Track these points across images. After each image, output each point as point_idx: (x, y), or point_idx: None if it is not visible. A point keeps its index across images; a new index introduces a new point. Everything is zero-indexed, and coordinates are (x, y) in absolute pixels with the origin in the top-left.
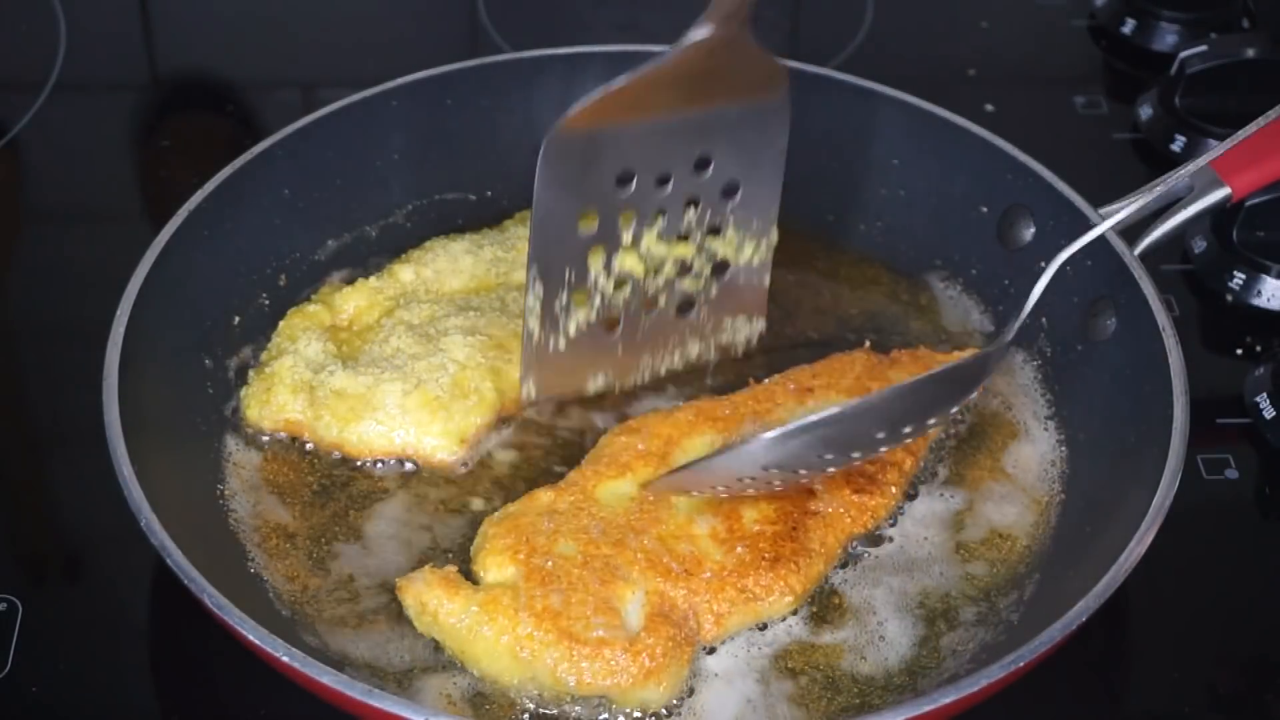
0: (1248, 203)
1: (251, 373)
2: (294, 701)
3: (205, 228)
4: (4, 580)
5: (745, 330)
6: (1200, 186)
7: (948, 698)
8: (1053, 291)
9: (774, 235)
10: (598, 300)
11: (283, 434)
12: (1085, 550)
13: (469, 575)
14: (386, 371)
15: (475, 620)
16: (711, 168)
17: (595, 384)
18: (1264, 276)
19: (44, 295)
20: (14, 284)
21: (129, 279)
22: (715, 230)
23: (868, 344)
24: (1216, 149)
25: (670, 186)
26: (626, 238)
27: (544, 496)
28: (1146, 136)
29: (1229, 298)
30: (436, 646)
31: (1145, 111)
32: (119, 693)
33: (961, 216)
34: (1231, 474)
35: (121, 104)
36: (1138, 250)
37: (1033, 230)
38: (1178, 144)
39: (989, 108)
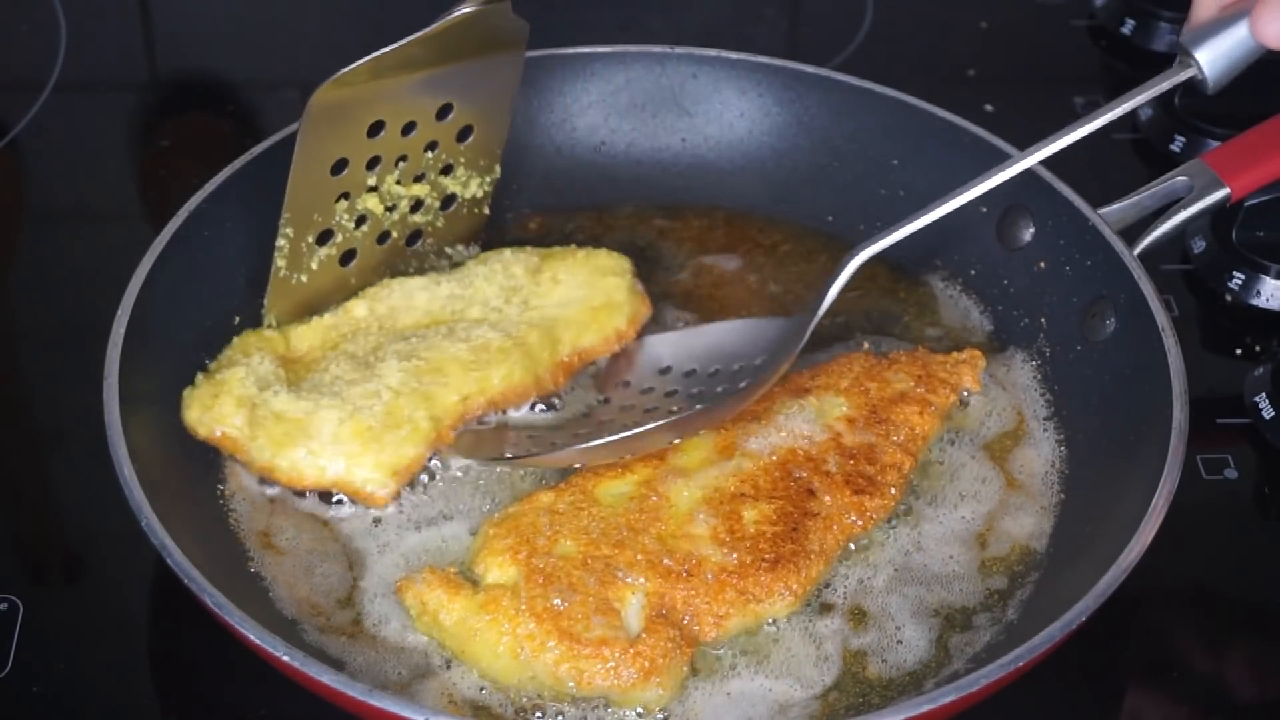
0: (1247, 203)
1: (200, 376)
2: (294, 701)
3: (205, 228)
4: (4, 580)
5: (465, 254)
6: (1200, 187)
7: (947, 697)
8: (1052, 292)
9: (497, 171)
10: (339, 238)
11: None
12: (1085, 550)
13: (469, 576)
14: (325, 398)
15: (476, 620)
16: (451, 115)
17: (328, 309)
18: (1263, 276)
19: (44, 295)
20: (14, 284)
21: (129, 279)
22: (447, 169)
23: (866, 345)
24: (1215, 149)
25: (414, 132)
26: (370, 181)
27: (544, 497)
28: (1146, 136)
29: (1228, 298)
30: (437, 646)
31: (1145, 112)
32: (119, 693)
33: (961, 216)
34: (1231, 474)
35: (121, 104)
36: (1137, 250)
37: (1032, 230)
38: (1177, 144)
39: (989, 108)
